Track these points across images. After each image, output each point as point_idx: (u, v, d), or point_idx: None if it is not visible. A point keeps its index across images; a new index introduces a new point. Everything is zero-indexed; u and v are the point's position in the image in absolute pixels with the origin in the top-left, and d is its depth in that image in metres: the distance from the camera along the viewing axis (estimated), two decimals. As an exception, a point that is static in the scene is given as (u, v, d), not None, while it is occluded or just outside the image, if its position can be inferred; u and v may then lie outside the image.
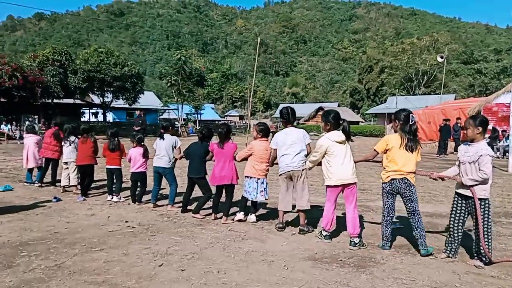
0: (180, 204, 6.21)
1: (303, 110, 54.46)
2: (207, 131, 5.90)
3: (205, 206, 5.70)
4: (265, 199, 5.46)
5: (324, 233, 4.60)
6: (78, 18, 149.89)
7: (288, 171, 4.90)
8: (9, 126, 24.38)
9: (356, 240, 4.37)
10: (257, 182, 5.27)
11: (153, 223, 5.26)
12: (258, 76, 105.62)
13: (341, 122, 4.57)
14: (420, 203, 6.74)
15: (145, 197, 6.60)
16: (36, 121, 25.49)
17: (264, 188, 5.33)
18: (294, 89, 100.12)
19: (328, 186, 4.56)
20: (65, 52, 29.73)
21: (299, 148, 4.89)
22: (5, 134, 23.14)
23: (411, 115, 4.14)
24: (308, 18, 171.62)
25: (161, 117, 53.72)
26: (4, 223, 5.01)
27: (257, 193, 5.28)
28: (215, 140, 5.62)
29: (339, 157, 4.44)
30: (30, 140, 8.28)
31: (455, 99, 40.72)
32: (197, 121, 50.75)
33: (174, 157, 6.28)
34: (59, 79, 27.34)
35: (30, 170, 8.25)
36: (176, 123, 42.26)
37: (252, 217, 5.41)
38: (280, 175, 5.04)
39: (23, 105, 25.88)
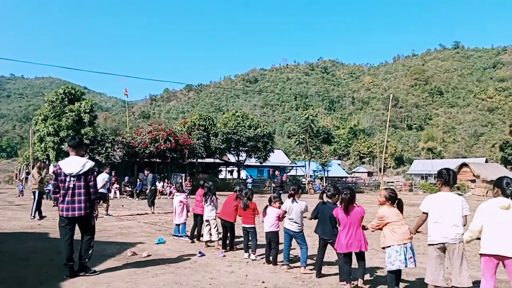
0: (312, 266, 6.08)
1: (442, 166, 49.27)
2: (333, 190, 5.71)
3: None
4: (414, 266, 4.84)
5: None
6: (219, 88, 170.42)
7: (443, 243, 4.34)
8: (162, 183, 28.08)
9: None
10: (406, 248, 4.72)
11: (288, 286, 5.22)
12: (389, 131, 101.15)
13: None
14: None
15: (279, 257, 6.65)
16: (183, 179, 28.85)
17: (413, 253, 4.75)
18: (430, 143, 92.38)
19: (481, 255, 3.98)
20: (209, 117, 33.73)
21: (458, 218, 4.31)
22: (158, 191, 26.65)
23: None
24: (444, 69, 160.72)
25: (288, 174, 55.13)
26: (159, 275, 5.59)
27: (404, 260, 4.68)
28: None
29: (499, 224, 3.87)
30: (177, 198, 9.21)
31: None
32: (324, 178, 50.48)
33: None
34: (203, 141, 30.90)
35: (178, 225, 9.12)
36: (303, 179, 42.84)
37: None
38: (430, 244, 4.48)
39: (173, 165, 29.77)
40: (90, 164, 5.39)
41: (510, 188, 3.97)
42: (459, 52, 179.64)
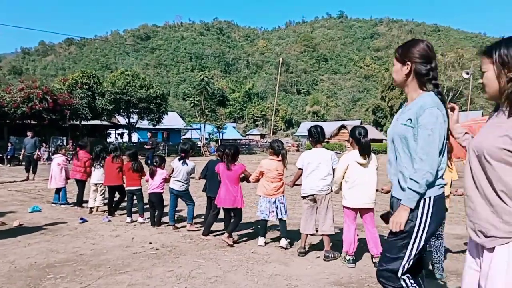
0: (200, 225, 6.20)
1: (325, 128, 53.93)
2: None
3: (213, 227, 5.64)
4: (278, 219, 5.15)
5: (347, 257, 4.44)
6: (106, 43, 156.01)
7: (312, 195, 4.75)
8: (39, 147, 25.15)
9: None
10: (269, 202, 5.08)
11: (176, 244, 5.26)
12: (280, 95, 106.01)
13: (361, 139, 4.37)
14: (449, 225, 6.53)
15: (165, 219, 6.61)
16: (65, 142, 26.29)
17: (277, 207, 5.09)
18: (315, 107, 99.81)
19: (344, 206, 4.50)
20: (93, 75, 30.82)
21: (326, 171, 4.69)
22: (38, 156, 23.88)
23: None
24: (329, 37, 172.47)
25: (184, 136, 54.50)
26: (32, 245, 5.11)
27: (269, 213, 5.08)
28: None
29: (357, 179, 4.32)
30: (56, 160, 8.36)
31: (482, 115, 39.61)
32: (219, 140, 51.22)
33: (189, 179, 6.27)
34: (87, 101, 28.28)
35: (57, 191, 8.29)
36: (199, 142, 42.86)
37: (259, 240, 5.23)
38: (303, 197, 4.87)
39: (52, 127, 26.80)
40: None
41: (362, 138, 4.35)
42: (343, 22, 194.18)
